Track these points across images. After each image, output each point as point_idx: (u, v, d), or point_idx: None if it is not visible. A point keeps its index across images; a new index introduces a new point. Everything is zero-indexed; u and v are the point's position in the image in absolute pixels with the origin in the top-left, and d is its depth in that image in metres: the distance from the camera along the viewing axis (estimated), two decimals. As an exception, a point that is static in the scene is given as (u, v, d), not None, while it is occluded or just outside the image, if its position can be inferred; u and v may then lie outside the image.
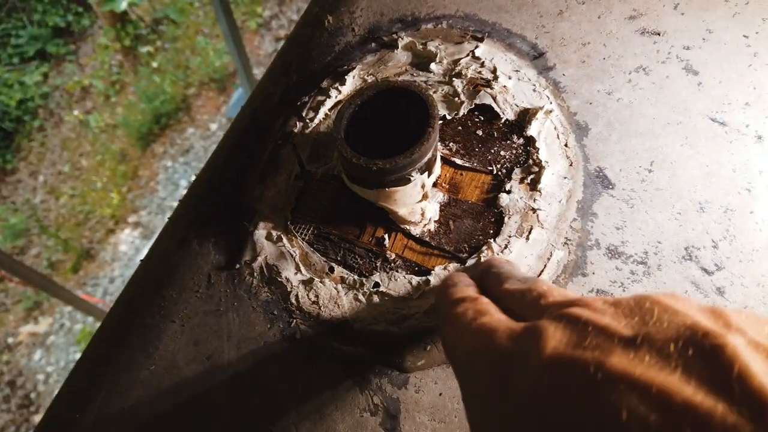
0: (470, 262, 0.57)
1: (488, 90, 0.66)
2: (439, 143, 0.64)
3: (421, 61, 0.71)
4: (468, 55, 0.69)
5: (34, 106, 4.39)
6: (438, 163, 0.61)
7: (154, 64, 4.49)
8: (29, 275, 2.49)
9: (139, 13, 4.60)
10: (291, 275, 0.60)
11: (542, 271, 0.56)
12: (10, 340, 3.58)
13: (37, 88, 4.43)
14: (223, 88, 4.34)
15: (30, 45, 4.58)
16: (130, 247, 3.80)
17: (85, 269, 3.78)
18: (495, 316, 0.37)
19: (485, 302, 0.40)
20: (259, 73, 4.22)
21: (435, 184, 0.62)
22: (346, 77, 0.70)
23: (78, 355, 3.44)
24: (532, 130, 0.62)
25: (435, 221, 0.61)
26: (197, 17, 4.74)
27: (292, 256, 0.61)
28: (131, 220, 3.90)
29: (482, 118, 0.65)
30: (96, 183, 4.05)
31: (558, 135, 0.62)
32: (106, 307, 3.17)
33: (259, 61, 4.35)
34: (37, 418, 3.29)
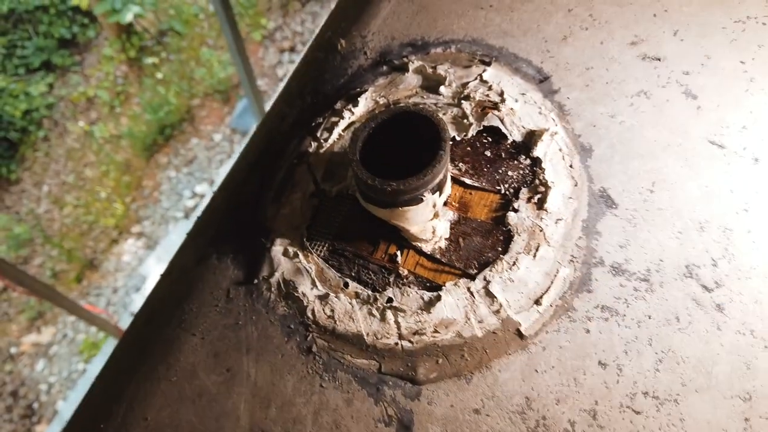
0: (479, 278, 0.60)
1: (496, 112, 0.69)
2: (449, 164, 0.66)
3: (431, 84, 0.73)
4: (476, 78, 0.72)
5: (39, 116, 4.43)
6: (448, 183, 0.64)
7: (159, 75, 4.53)
8: (33, 285, 2.50)
9: (145, 25, 4.65)
10: (307, 290, 0.62)
11: (549, 287, 0.59)
12: (13, 350, 3.59)
13: (42, 98, 4.48)
14: (227, 99, 4.39)
15: (36, 56, 4.63)
16: (133, 257, 3.83)
17: (88, 279, 3.79)
18: None
19: None
20: (263, 84, 4.27)
21: (445, 203, 0.65)
22: (359, 99, 0.73)
23: (81, 366, 3.46)
24: (538, 151, 0.65)
25: (446, 239, 0.63)
26: (202, 29, 4.80)
27: (308, 271, 0.63)
28: (135, 231, 3.93)
29: (490, 140, 0.68)
30: (100, 193, 4.08)
31: (563, 156, 0.65)
32: (109, 317, 3.19)
33: (263, 72, 4.40)
34: (39, 428, 3.30)
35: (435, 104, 0.71)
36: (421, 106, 0.63)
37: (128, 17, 4.26)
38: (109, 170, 4.18)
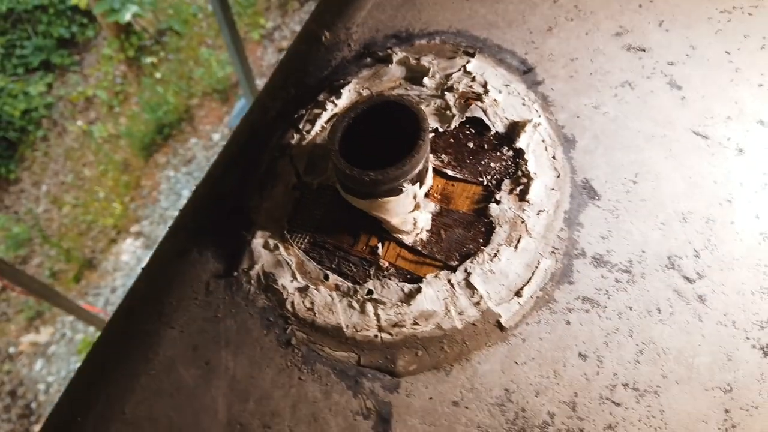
0: (460, 269, 0.59)
1: (479, 103, 0.68)
2: (431, 155, 0.66)
3: (415, 75, 0.73)
4: (460, 69, 0.71)
5: (38, 116, 4.44)
6: (430, 174, 0.63)
7: (158, 75, 4.54)
8: (31, 285, 2.50)
9: (143, 25, 4.66)
10: (287, 283, 0.62)
11: (530, 279, 0.58)
12: (12, 349, 3.59)
13: (41, 98, 4.48)
14: (225, 99, 4.39)
15: (35, 56, 4.63)
16: (131, 257, 3.83)
17: (87, 279, 3.80)
18: None
19: None
20: (261, 83, 4.26)
21: (427, 195, 0.64)
22: (342, 91, 0.73)
23: (79, 365, 3.46)
24: (521, 143, 0.65)
25: (427, 230, 0.63)
26: (200, 28, 4.80)
27: (288, 264, 0.63)
28: (133, 230, 3.93)
29: (473, 131, 0.68)
30: (98, 193, 4.09)
31: (546, 147, 0.64)
32: (108, 317, 3.19)
33: (262, 71, 4.40)
34: (37, 428, 3.29)
35: (418, 95, 0.71)
36: (403, 97, 0.62)
37: (127, 17, 4.26)
38: (108, 170, 4.18)
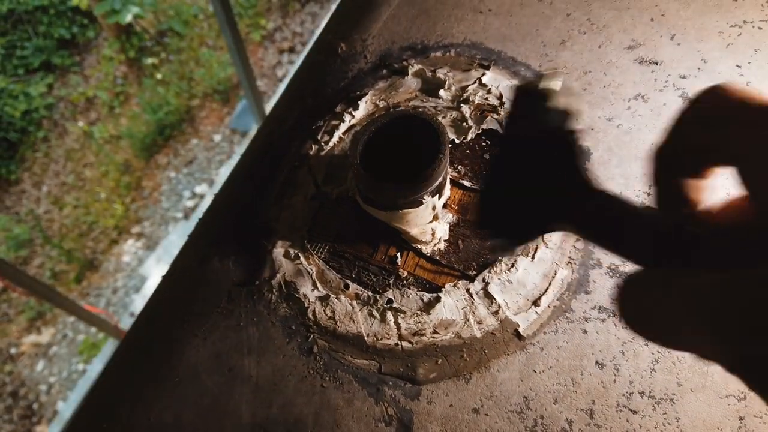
0: (478, 279, 0.60)
1: (494, 115, 0.69)
2: (448, 166, 0.67)
3: (431, 87, 0.74)
4: (475, 82, 0.73)
5: (39, 117, 4.43)
6: (448, 185, 0.65)
7: (159, 76, 4.54)
8: (32, 285, 2.51)
9: (144, 25, 4.66)
10: (308, 292, 0.63)
11: (547, 288, 0.59)
12: (13, 350, 3.59)
13: (41, 99, 4.48)
14: (226, 100, 4.39)
15: (35, 56, 4.63)
16: (133, 258, 3.83)
17: (88, 280, 3.80)
18: None
19: None
20: (262, 84, 4.28)
21: (445, 206, 0.65)
22: (359, 102, 0.74)
23: (80, 366, 3.46)
24: (536, 155, 0.66)
25: (445, 241, 0.64)
26: (201, 29, 4.80)
27: (309, 273, 0.64)
28: (134, 231, 3.93)
29: (489, 143, 0.69)
30: (99, 194, 4.09)
31: (561, 159, 0.66)
32: (109, 318, 3.20)
33: (263, 72, 4.40)
34: (39, 429, 3.30)
35: (434, 107, 0.72)
36: (420, 109, 0.63)
37: (128, 18, 4.26)
38: (109, 171, 4.18)
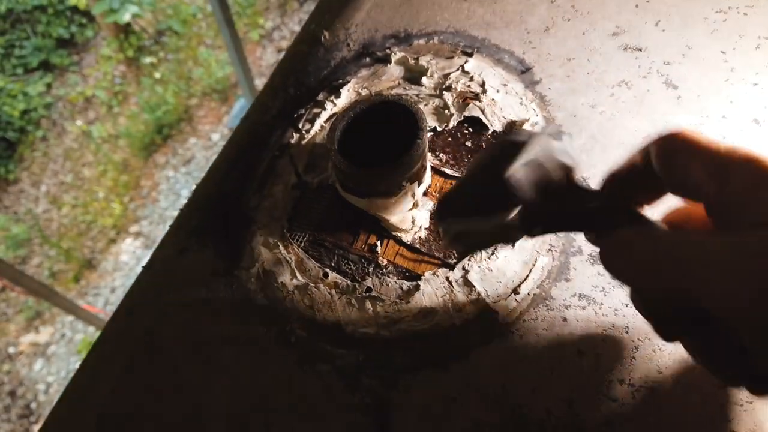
0: (458, 267, 0.60)
1: (477, 103, 0.69)
2: (429, 154, 0.66)
3: (413, 75, 0.74)
4: (458, 69, 0.72)
5: (38, 116, 4.44)
6: (428, 173, 0.64)
7: (157, 75, 4.54)
8: (31, 285, 2.51)
9: (142, 25, 4.66)
10: (287, 281, 0.62)
11: (527, 276, 0.58)
12: (11, 349, 3.60)
13: (40, 98, 4.48)
14: (225, 99, 4.39)
15: (34, 56, 4.63)
16: (131, 257, 3.83)
17: (86, 279, 3.80)
18: None
19: None
20: (260, 83, 4.27)
21: (425, 193, 0.65)
22: (341, 90, 0.73)
23: (80, 363, 3.46)
24: (518, 142, 0.65)
25: (425, 229, 0.63)
26: (200, 28, 4.80)
27: (288, 262, 0.63)
28: (133, 230, 3.93)
29: (471, 130, 0.68)
30: (98, 193, 4.09)
31: (543, 146, 0.65)
32: (108, 317, 3.19)
33: (261, 71, 4.40)
34: (37, 428, 3.30)
35: (417, 95, 0.71)
36: (402, 96, 0.63)
37: (126, 17, 4.27)
38: (107, 170, 4.18)
